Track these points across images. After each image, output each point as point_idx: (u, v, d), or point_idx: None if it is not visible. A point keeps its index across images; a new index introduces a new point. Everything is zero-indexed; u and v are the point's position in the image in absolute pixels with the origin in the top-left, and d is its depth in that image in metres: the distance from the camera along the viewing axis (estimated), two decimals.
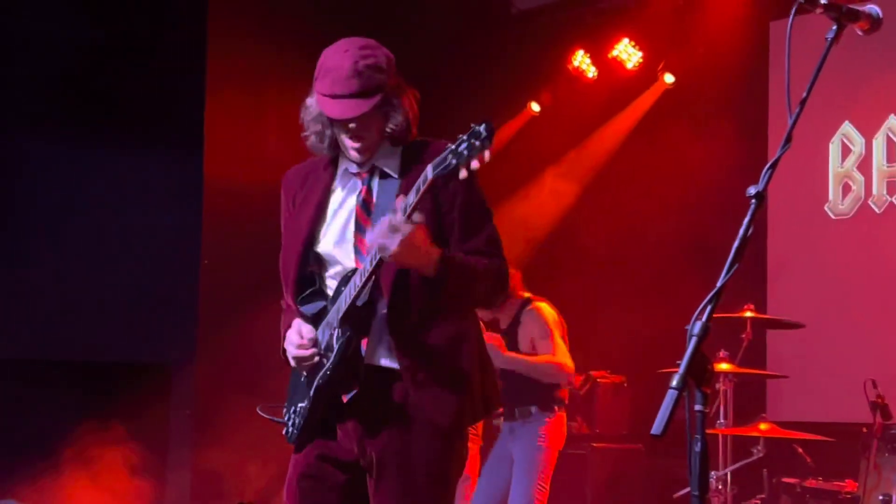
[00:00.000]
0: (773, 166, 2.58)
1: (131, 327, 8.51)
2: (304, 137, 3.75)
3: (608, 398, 8.73)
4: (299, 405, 3.69)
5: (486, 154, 3.19)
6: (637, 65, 9.83)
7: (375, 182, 3.67)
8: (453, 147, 3.24)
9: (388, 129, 3.60)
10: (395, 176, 3.64)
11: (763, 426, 6.80)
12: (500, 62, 10.16)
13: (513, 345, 6.91)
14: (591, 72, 10.06)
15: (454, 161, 3.22)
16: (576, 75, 10.09)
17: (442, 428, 3.58)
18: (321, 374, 3.59)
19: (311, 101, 3.68)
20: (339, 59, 3.56)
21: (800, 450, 7.45)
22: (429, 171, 3.29)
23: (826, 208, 8.84)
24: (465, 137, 3.22)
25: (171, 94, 8.74)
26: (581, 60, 10.05)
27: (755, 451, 7.05)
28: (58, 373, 8.26)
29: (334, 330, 3.58)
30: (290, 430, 3.72)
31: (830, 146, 8.79)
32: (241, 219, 8.94)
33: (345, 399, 3.62)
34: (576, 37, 10.10)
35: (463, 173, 3.22)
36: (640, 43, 9.79)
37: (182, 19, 8.86)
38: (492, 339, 6.59)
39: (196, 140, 8.90)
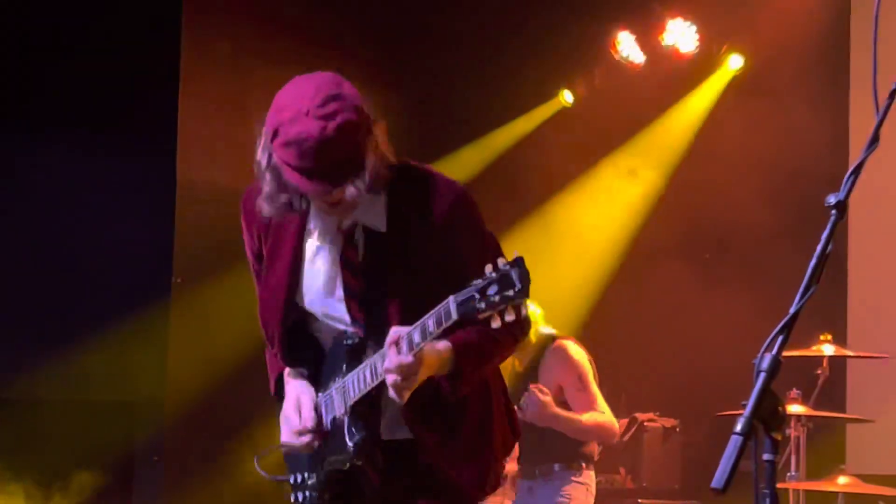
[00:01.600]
0: (857, 171, 2.58)
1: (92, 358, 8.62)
2: (257, 205, 3.69)
3: (657, 446, 8.73)
4: (308, 479, 3.82)
5: (523, 310, 3.28)
6: (694, 49, 9.84)
7: (359, 238, 3.71)
8: (480, 285, 3.28)
9: (364, 189, 3.54)
10: (383, 229, 3.68)
11: (843, 480, 6.79)
12: (528, 45, 10.18)
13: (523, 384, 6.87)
14: (638, 57, 10.08)
15: (482, 306, 3.27)
16: (619, 61, 10.11)
17: (469, 496, 3.78)
18: (330, 463, 3.72)
19: (265, 158, 3.65)
20: (301, 126, 3.51)
21: None
22: (452, 309, 3.33)
23: None
24: (493, 277, 3.26)
25: (139, 84, 8.79)
26: (626, 44, 10.07)
27: None
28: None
29: (345, 416, 3.68)
30: (301, 502, 3.87)
31: None
32: (218, 230, 8.97)
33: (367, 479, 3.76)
34: (619, 16, 10.12)
35: (496, 323, 3.29)
36: (696, 23, 9.80)
37: (154, 2, 8.95)
38: (540, 394, 6.58)
39: (167, 137, 8.95)
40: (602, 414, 6.77)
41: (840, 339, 7.94)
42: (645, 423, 8.73)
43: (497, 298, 3.24)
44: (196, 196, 9.06)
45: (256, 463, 4.00)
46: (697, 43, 9.83)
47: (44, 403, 8.56)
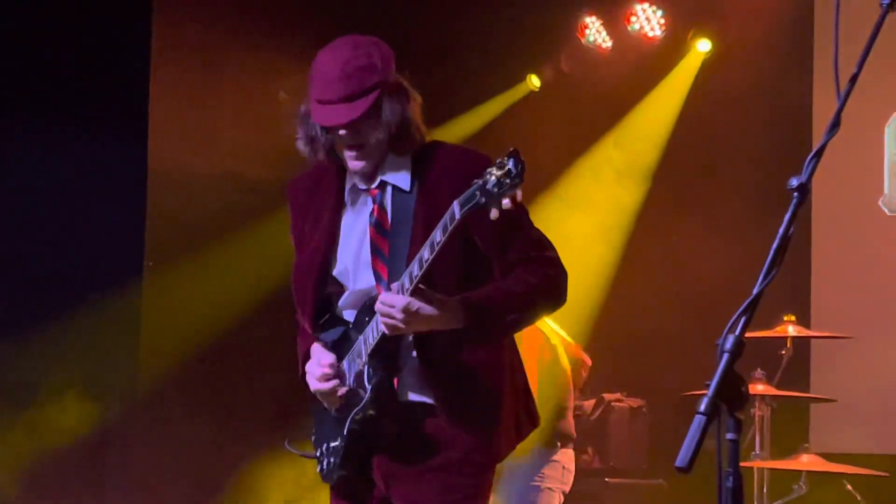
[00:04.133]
0: (819, 155, 2.60)
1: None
2: (296, 142, 3.90)
3: (624, 426, 8.75)
4: (331, 444, 3.92)
5: (518, 193, 3.38)
6: (661, 34, 9.85)
7: (388, 198, 3.85)
8: (480, 183, 3.41)
9: (384, 136, 3.74)
10: (407, 189, 3.82)
11: (806, 458, 6.82)
12: (494, 30, 10.16)
13: None
14: (605, 42, 10.08)
15: (483, 199, 3.40)
16: (587, 45, 10.10)
17: (476, 463, 3.83)
18: (353, 414, 3.80)
19: (305, 108, 3.84)
20: (327, 60, 3.74)
21: (849, 486, 7.48)
22: (456, 210, 3.47)
23: (881, 203, 8.88)
24: (492, 171, 3.39)
25: (110, 69, 8.74)
26: (593, 29, 10.07)
27: (797, 487, 7.07)
28: None
29: (364, 366, 3.79)
30: (325, 469, 3.97)
31: (887, 131, 8.83)
32: (190, 214, 8.95)
33: (383, 441, 3.84)
34: (586, 1, 10.11)
35: (494, 213, 3.40)
36: (662, 7, 9.81)
37: None
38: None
39: (138, 121, 8.90)
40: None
41: (804, 320, 7.99)
42: (612, 404, 8.75)
43: (496, 190, 3.37)
44: (168, 181, 9.02)
45: (287, 444, 4.22)
46: (664, 28, 9.84)
47: (13, 386, 8.52)
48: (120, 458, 8.81)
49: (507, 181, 3.37)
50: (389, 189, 3.84)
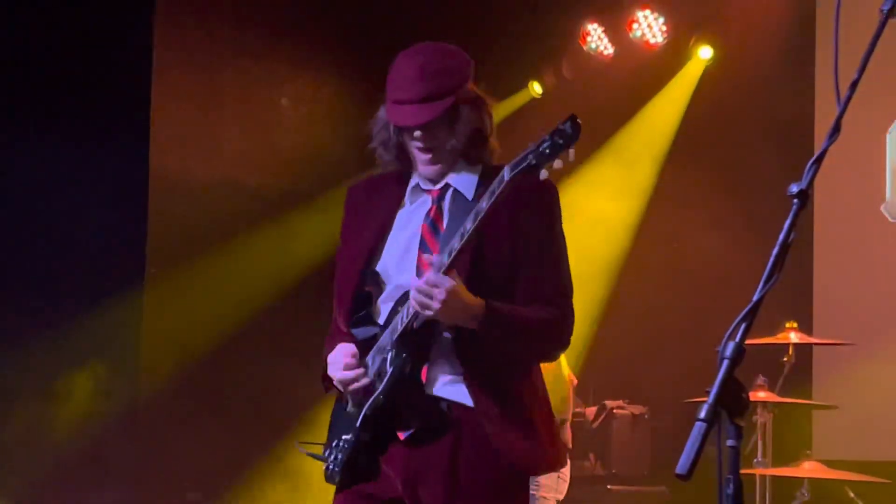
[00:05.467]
0: (819, 161, 2.59)
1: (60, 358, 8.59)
2: (371, 149, 3.88)
3: (626, 432, 8.75)
4: (343, 437, 3.78)
5: (571, 153, 3.41)
6: (662, 41, 9.85)
7: (447, 202, 3.79)
8: (534, 147, 3.42)
9: (457, 143, 3.73)
10: (470, 198, 3.75)
11: (808, 465, 6.81)
12: (497, 37, 10.17)
13: None
14: (607, 49, 10.08)
15: (534, 161, 3.41)
16: (588, 52, 10.11)
17: (515, 475, 3.71)
18: (371, 400, 3.68)
19: (382, 112, 3.82)
20: (407, 62, 3.77)
21: (851, 494, 7.47)
22: (506, 172, 3.45)
23: (883, 209, 8.87)
24: (547, 137, 3.42)
25: (112, 74, 8.75)
26: (595, 36, 10.07)
27: (799, 494, 7.06)
28: None
29: (387, 353, 3.68)
30: (331, 467, 3.82)
31: (888, 137, 8.83)
32: (192, 221, 8.96)
33: (402, 436, 3.70)
34: (587, 8, 10.12)
35: (544, 173, 3.41)
36: (664, 14, 9.81)
37: None
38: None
39: (140, 128, 8.91)
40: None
41: (806, 327, 7.98)
42: (614, 410, 8.75)
43: (548, 150, 3.41)
44: (169, 187, 9.02)
45: (298, 445, 4.09)
46: (665, 35, 9.84)
47: (16, 390, 8.53)
48: (122, 461, 8.81)
49: (561, 141, 3.39)
50: (451, 192, 3.79)
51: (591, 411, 8.59)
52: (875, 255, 8.89)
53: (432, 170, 3.78)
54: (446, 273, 3.53)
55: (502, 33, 10.06)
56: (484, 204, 3.48)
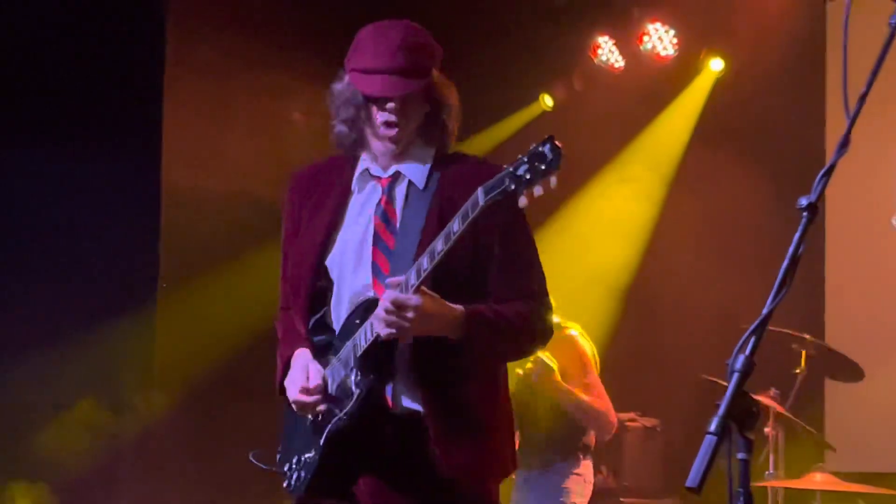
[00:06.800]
0: (829, 173, 2.59)
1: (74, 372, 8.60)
2: (331, 127, 3.77)
3: (638, 445, 8.73)
4: (304, 456, 3.71)
5: (553, 180, 3.21)
6: (673, 53, 9.84)
7: (398, 191, 3.68)
8: (511, 169, 3.23)
9: (426, 125, 3.64)
10: (422, 187, 3.66)
11: (820, 478, 6.79)
12: (507, 50, 10.18)
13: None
14: (618, 62, 10.08)
15: (513, 186, 3.22)
16: (599, 65, 10.11)
17: (473, 487, 3.66)
18: (334, 421, 3.60)
19: (341, 85, 3.71)
20: (383, 32, 3.63)
21: None
22: (480, 196, 3.28)
23: (893, 221, 8.86)
24: (524, 159, 3.23)
25: (124, 88, 8.77)
26: (606, 49, 10.07)
27: None
28: None
29: (351, 371, 3.58)
30: (294, 483, 3.75)
31: None
32: (204, 234, 8.96)
33: (366, 453, 3.65)
34: (598, 21, 10.12)
35: (523, 201, 3.23)
36: (675, 27, 9.81)
37: (138, 4, 8.93)
38: (548, 360, 6.60)
39: (152, 142, 8.92)
40: (602, 402, 6.80)
41: (818, 338, 7.95)
42: (626, 423, 8.73)
43: (528, 176, 3.20)
44: (181, 200, 9.04)
45: (252, 457, 3.97)
46: (676, 47, 9.84)
47: (28, 406, 8.54)
48: (134, 475, 8.82)
49: (542, 167, 3.19)
50: (403, 182, 3.68)
51: None
52: (887, 266, 8.88)
53: (391, 148, 3.66)
54: (417, 291, 3.40)
55: (513, 46, 10.07)
56: (456, 226, 3.33)
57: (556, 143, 3.21)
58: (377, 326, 3.45)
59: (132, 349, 8.82)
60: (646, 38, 9.87)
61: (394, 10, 9.67)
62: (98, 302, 8.63)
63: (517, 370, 6.83)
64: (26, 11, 8.71)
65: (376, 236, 3.65)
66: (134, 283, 8.91)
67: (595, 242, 9.82)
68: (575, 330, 6.93)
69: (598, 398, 6.81)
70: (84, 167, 8.58)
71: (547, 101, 10.43)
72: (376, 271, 3.62)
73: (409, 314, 3.39)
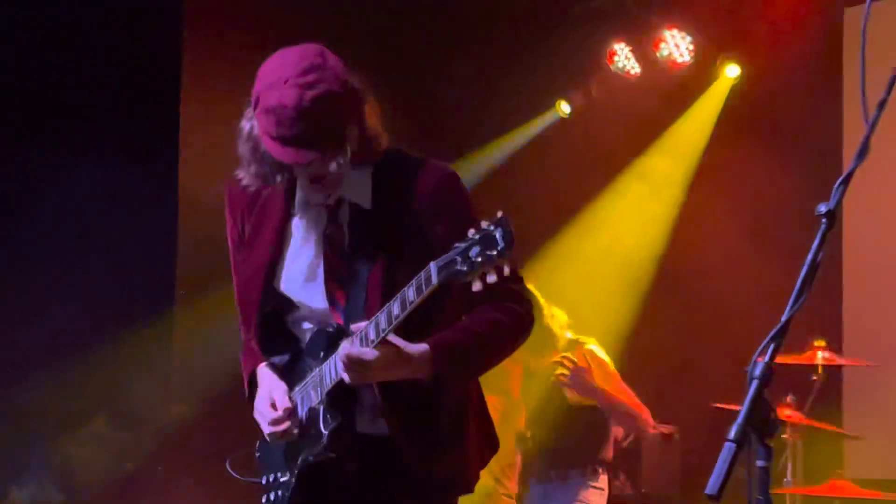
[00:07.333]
0: (847, 181, 2.59)
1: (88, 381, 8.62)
2: (237, 184, 3.70)
3: (656, 452, 8.72)
4: (281, 478, 3.71)
5: (506, 268, 3.12)
6: (689, 59, 9.83)
7: (344, 214, 3.63)
8: (462, 248, 3.14)
9: (348, 159, 3.50)
10: (368, 207, 3.59)
11: (839, 484, 6.78)
12: (524, 57, 10.18)
13: (560, 395, 6.88)
14: (634, 68, 10.08)
15: (465, 269, 3.12)
16: (615, 72, 10.10)
17: (439, 494, 3.66)
18: (307, 456, 3.60)
19: (249, 127, 3.62)
20: (280, 93, 3.45)
21: None
22: (433, 274, 3.19)
23: None
24: (476, 238, 3.13)
25: (141, 98, 8.79)
26: (622, 55, 10.07)
27: None
28: None
29: (319, 405, 3.57)
30: (273, 501, 3.76)
31: None
32: (222, 242, 8.96)
33: (339, 479, 3.65)
34: (614, 28, 10.12)
35: (477, 286, 3.14)
36: (691, 34, 9.80)
37: (155, 13, 8.95)
38: (574, 368, 6.62)
39: (170, 150, 8.94)
40: (636, 402, 6.83)
41: (835, 345, 7.94)
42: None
43: (479, 259, 3.10)
44: (199, 208, 9.05)
45: (228, 465, 3.95)
46: (692, 53, 9.83)
47: (45, 414, 8.56)
48: (151, 486, 8.83)
49: (492, 253, 3.09)
50: (347, 205, 3.61)
51: (620, 430, 8.57)
52: None
53: (325, 196, 3.60)
54: (377, 345, 3.36)
55: (529, 53, 10.07)
56: (411, 296, 3.25)
57: (509, 227, 3.10)
58: (340, 370, 3.44)
59: (150, 358, 8.84)
60: (662, 45, 9.86)
61: (409, 22, 9.72)
62: (116, 310, 8.65)
63: (549, 377, 6.84)
64: (46, 24, 8.75)
65: (328, 265, 3.61)
66: (152, 291, 8.92)
67: (609, 250, 9.82)
68: (593, 344, 6.96)
69: (630, 400, 6.85)
70: (102, 176, 8.60)
71: (564, 107, 10.42)
72: (332, 301, 3.60)
73: (367, 370, 3.38)
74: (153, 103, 8.93)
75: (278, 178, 3.57)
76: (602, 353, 6.94)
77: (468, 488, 3.73)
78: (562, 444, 6.82)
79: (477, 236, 3.13)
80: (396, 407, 3.54)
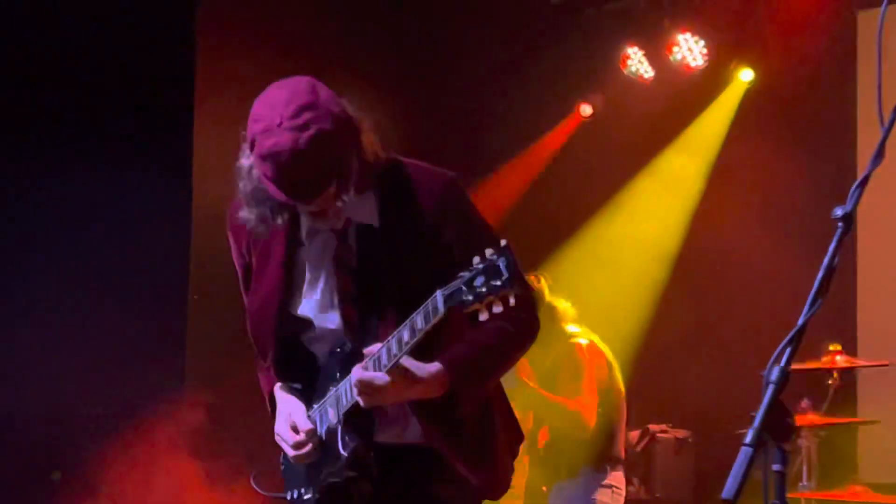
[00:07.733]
0: (863, 184, 2.59)
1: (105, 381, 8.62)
2: (239, 216, 3.69)
3: (669, 457, 8.71)
4: (304, 495, 3.74)
5: (512, 299, 3.15)
6: (703, 63, 9.82)
7: (352, 235, 3.64)
8: (467, 278, 3.17)
9: (350, 192, 3.48)
10: (377, 224, 3.60)
11: (855, 489, 6.77)
12: (541, 61, 10.19)
13: (550, 384, 6.89)
14: (647, 72, 10.07)
15: (470, 298, 3.16)
16: (628, 76, 10.10)
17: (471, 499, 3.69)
18: (328, 475, 3.63)
19: (248, 165, 3.61)
20: (275, 139, 3.43)
21: None
22: (440, 303, 3.22)
23: None
24: (480, 268, 3.16)
25: (155, 105, 8.80)
26: (635, 60, 10.06)
27: None
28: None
29: (338, 425, 3.60)
30: None
31: None
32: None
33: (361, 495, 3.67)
34: (628, 32, 10.12)
35: (484, 315, 3.18)
36: (704, 38, 9.79)
37: (168, 21, 8.96)
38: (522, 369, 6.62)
39: (183, 158, 8.95)
40: (577, 403, 6.74)
41: (850, 348, 7.93)
42: (657, 435, 8.72)
43: (484, 289, 3.13)
44: (212, 214, 9.05)
45: (252, 481, 3.98)
46: (706, 57, 9.81)
47: (59, 419, 8.57)
48: (166, 489, 8.83)
49: (496, 283, 3.13)
50: (355, 226, 3.62)
51: (634, 435, 8.56)
52: None
53: (329, 225, 3.61)
54: (390, 370, 3.39)
55: (542, 58, 10.09)
56: (420, 324, 3.28)
57: (512, 257, 3.13)
58: (356, 393, 3.47)
59: (162, 362, 8.84)
60: (675, 49, 9.85)
61: (424, 32, 9.73)
62: (130, 316, 8.66)
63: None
64: (58, 31, 8.77)
65: (340, 287, 3.63)
66: (165, 296, 8.93)
67: (624, 252, 9.82)
68: (585, 339, 6.93)
69: (575, 401, 6.76)
70: (115, 183, 8.61)
71: (586, 109, 10.36)
72: (347, 320, 3.63)
73: (380, 394, 3.42)
74: (166, 110, 8.93)
75: (279, 221, 3.59)
76: (586, 350, 6.90)
77: (507, 486, 3.76)
78: (568, 440, 6.82)
79: (481, 266, 3.16)
80: (431, 419, 3.57)
